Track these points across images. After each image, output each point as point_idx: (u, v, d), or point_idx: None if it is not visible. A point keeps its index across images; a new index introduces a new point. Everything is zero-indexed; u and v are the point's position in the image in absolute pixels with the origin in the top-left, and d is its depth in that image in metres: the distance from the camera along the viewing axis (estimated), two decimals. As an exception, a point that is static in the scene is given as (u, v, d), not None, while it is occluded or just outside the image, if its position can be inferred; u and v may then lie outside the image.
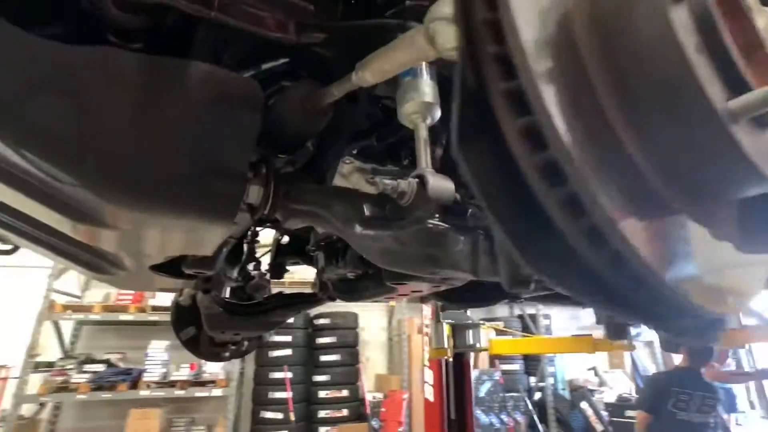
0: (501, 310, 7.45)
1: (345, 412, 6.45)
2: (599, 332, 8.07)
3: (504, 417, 6.81)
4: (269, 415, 6.09)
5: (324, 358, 6.69)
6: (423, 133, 0.56)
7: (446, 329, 2.63)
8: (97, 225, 0.63)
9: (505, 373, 7.03)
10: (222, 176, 0.60)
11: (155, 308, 5.78)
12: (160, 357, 5.75)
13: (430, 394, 2.96)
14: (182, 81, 0.57)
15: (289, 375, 6.26)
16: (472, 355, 3.19)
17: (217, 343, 1.64)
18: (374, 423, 6.33)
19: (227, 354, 1.67)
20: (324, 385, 6.55)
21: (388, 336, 7.51)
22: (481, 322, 3.18)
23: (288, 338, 6.53)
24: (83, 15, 0.59)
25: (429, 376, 3.01)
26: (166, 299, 5.92)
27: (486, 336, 2.98)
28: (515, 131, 0.28)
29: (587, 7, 0.30)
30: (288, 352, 6.48)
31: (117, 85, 0.54)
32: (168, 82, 0.56)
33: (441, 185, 0.52)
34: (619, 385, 7.41)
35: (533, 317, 7.39)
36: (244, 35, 0.60)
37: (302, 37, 0.62)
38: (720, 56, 0.29)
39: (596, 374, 7.69)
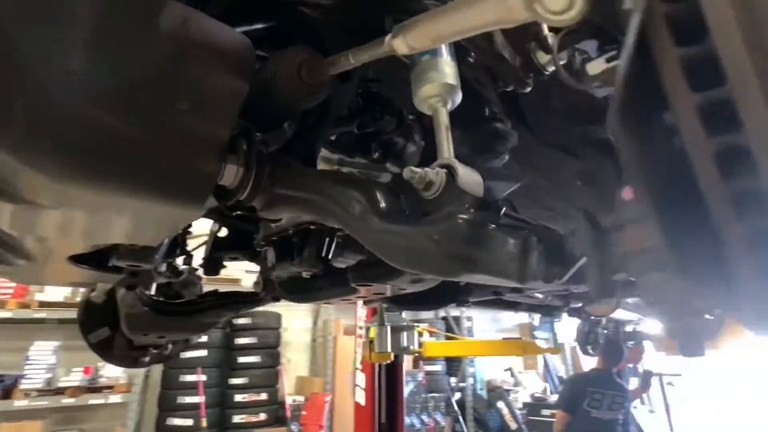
0: (425, 312, 7.66)
1: (263, 416, 6.18)
2: (516, 334, 8.64)
3: (425, 418, 6.99)
4: (177, 421, 5.64)
5: (242, 359, 6.36)
6: (444, 119, 0.50)
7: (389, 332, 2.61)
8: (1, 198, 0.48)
9: (428, 374, 7.23)
10: (196, 148, 0.49)
11: (43, 304, 5.06)
12: (44, 360, 5.06)
13: (361, 397, 2.92)
14: (159, 22, 0.45)
15: (203, 378, 5.87)
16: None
17: (136, 346, 1.42)
18: (294, 427, 6.16)
19: (147, 359, 1.47)
20: (241, 389, 6.22)
21: (312, 337, 7.35)
22: (416, 324, 3.21)
23: (203, 338, 6.11)
24: None
25: (361, 379, 2.96)
26: (57, 294, 5.23)
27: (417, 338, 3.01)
28: (694, 107, 0.23)
29: None
30: (203, 353, 6.06)
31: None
32: (141, 21, 0.44)
33: (471, 177, 0.47)
34: (532, 385, 7.98)
35: (457, 319, 7.68)
36: None
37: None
38: None
39: (512, 375, 8.21)
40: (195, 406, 5.67)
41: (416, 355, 2.91)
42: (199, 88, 0.47)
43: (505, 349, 3.02)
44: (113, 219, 0.57)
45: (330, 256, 1.06)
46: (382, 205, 0.49)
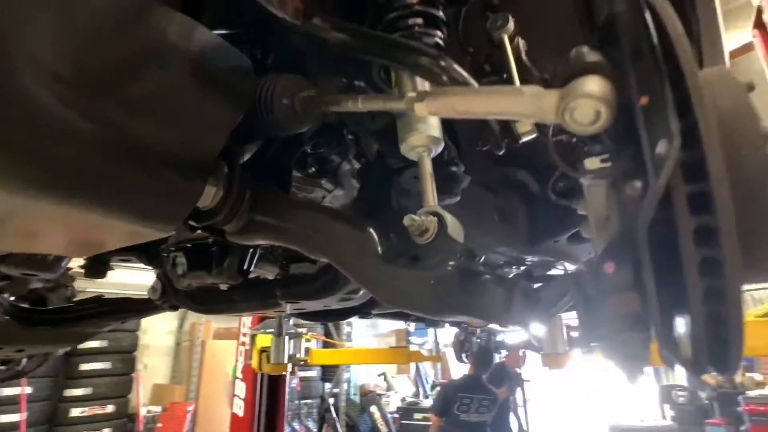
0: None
1: (106, 431, 5.48)
2: (393, 338, 9.05)
3: (296, 425, 6.92)
4: (-11, 444, 4.70)
5: (86, 366, 5.55)
6: (429, 168, 0.54)
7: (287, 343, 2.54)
8: None
9: (302, 380, 7.17)
10: (181, 170, 0.44)
11: None
12: None
13: (239, 408, 2.79)
14: (166, 32, 0.40)
15: (28, 390, 4.97)
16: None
17: None
18: (146, 443, 5.59)
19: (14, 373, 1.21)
20: (81, 401, 5.42)
21: (177, 341, 6.76)
22: (303, 331, 3.19)
23: (34, 342, 5.20)
24: None
25: (240, 388, 2.84)
26: None
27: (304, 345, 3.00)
28: (691, 228, 0.32)
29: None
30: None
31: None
32: (148, 29, 0.39)
33: (456, 225, 0.51)
34: (403, 390, 8.44)
35: (336, 324, 7.79)
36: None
37: (307, 25, 0.52)
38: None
39: (385, 380, 8.58)
40: (14, 426, 4.78)
41: (301, 363, 2.90)
42: (195, 108, 0.44)
43: (391, 357, 3.19)
44: (68, 232, 0.48)
45: (251, 269, 1.03)
46: (380, 246, 0.52)
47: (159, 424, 5.71)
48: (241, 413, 2.77)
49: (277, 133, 0.56)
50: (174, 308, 1.30)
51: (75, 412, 5.35)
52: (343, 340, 7.27)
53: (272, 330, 2.96)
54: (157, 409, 5.93)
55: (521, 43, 0.64)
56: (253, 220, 0.58)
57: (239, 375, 2.92)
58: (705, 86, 0.35)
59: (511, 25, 0.60)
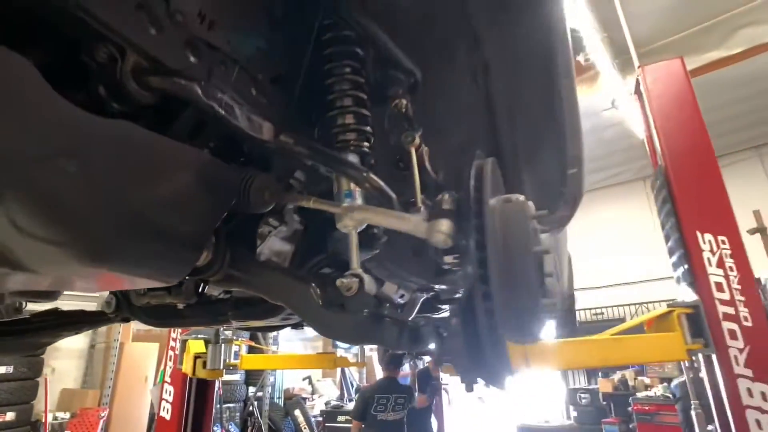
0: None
1: (5, 440, 5.17)
2: (319, 343, 9.22)
3: (217, 429, 6.90)
4: None
5: (-16, 370, 5.21)
6: (355, 240, 0.81)
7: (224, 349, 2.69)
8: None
9: (225, 383, 7.15)
10: (188, 243, 0.67)
11: None
12: None
13: (166, 411, 2.89)
14: (179, 162, 0.63)
15: None
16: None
17: None
18: (51, 451, 5.34)
19: None
20: (-24, 408, 5.08)
21: (91, 343, 6.48)
22: (234, 337, 3.34)
23: (-76, 342, 4.79)
24: (88, 79, 0.57)
25: (168, 392, 2.93)
26: None
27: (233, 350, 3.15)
28: (481, 293, 0.61)
29: None
30: None
31: (126, 157, 0.57)
32: (168, 161, 0.61)
33: (371, 283, 0.78)
34: (328, 392, 8.66)
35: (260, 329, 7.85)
36: (222, 125, 0.70)
37: (276, 141, 0.76)
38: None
39: (310, 383, 8.76)
40: None
41: (232, 367, 3.04)
42: (199, 207, 0.67)
43: (318, 363, 3.42)
44: (104, 282, 0.69)
45: (205, 290, 1.25)
46: (319, 298, 0.77)
47: (67, 431, 5.47)
48: (168, 417, 2.87)
49: (247, 212, 0.81)
50: (125, 320, 1.47)
51: (-32, 419, 5.01)
52: (270, 344, 7.34)
53: (203, 336, 3.09)
54: (66, 415, 5.68)
55: (425, 150, 0.93)
56: (230, 274, 0.82)
57: (167, 379, 3.01)
58: (494, 217, 0.65)
59: (417, 140, 0.90)
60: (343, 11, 0.86)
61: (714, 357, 1.91)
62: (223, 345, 2.75)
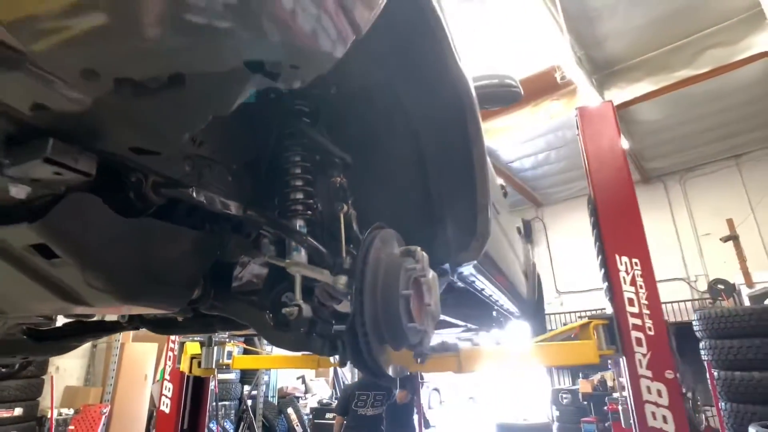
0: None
1: (14, 434, 5.57)
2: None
3: (212, 425, 7.30)
4: None
5: (-6, 368, 5.61)
6: (299, 281, 1.20)
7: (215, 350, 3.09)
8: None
9: (221, 382, 7.55)
10: (186, 285, 1.07)
11: None
12: None
13: (165, 406, 3.28)
14: (181, 238, 1.01)
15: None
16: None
17: None
18: (56, 445, 5.74)
19: None
20: (-13, 403, 5.48)
21: (93, 343, 6.88)
22: (227, 339, 3.72)
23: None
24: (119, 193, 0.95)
25: (167, 388, 3.32)
26: None
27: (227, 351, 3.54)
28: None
29: None
30: (-65, 360, 5.14)
31: (150, 239, 0.96)
32: (174, 238, 1.00)
33: (308, 309, 1.16)
34: (321, 392, 9.06)
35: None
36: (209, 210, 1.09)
37: (244, 215, 1.15)
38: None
39: (303, 382, 9.16)
40: None
41: (224, 366, 3.42)
42: (192, 262, 1.07)
43: (303, 363, 3.81)
44: (119, 310, 1.08)
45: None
46: (272, 322, 1.16)
47: (71, 427, 5.87)
48: (167, 410, 3.27)
49: (224, 261, 1.20)
50: (136, 329, 1.87)
51: (-21, 415, 5.41)
52: (264, 346, 7.73)
53: (199, 339, 3.49)
54: (70, 411, 6.08)
55: (353, 215, 1.32)
56: (213, 304, 1.21)
57: (167, 377, 3.40)
58: (373, 273, 1.05)
59: (345, 208, 1.29)
60: (297, 127, 1.25)
61: (623, 360, 2.31)
62: (216, 347, 3.14)
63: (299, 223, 1.23)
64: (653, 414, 2.15)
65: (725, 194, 9.42)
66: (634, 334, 2.28)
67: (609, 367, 8.27)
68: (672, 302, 9.18)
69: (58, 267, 0.88)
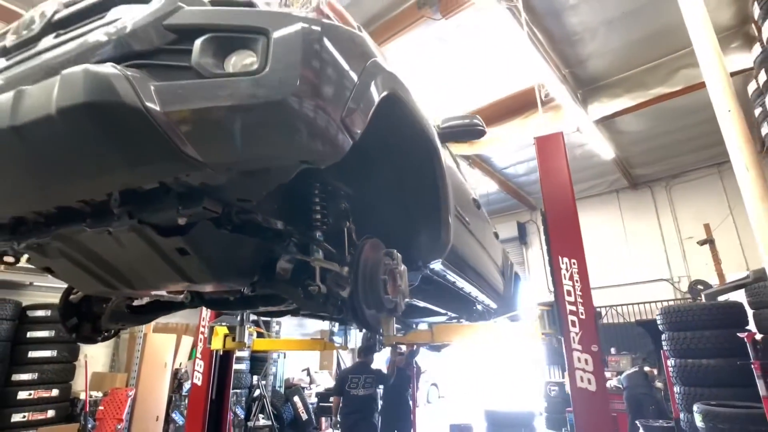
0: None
1: (51, 413, 6.33)
2: (317, 336, 10.34)
3: (225, 411, 8.06)
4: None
5: (33, 354, 6.38)
6: (318, 270, 1.91)
7: (248, 329, 3.82)
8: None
9: (233, 371, 8.31)
10: (245, 276, 1.80)
11: None
12: None
13: (198, 379, 4.00)
14: (248, 246, 1.75)
15: (-22, 373, 5.75)
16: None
17: (96, 330, 2.37)
18: (88, 423, 6.49)
19: (100, 339, 2.41)
20: (28, 385, 6.24)
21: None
22: (251, 324, 4.46)
23: (-18, 331, 5.98)
24: None
25: (199, 365, 4.04)
26: None
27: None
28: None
29: None
30: (-21, 346, 5.91)
31: (232, 246, 1.69)
32: (246, 247, 1.73)
33: (324, 289, 1.88)
34: (324, 383, 9.81)
35: (267, 323, 9.01)
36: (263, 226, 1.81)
37: (285, 230, 1.88)
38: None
39: (308, 374, 9.91)
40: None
41: (247, 347, 4.12)
42: (249, 262, 1.78)
43: (311, 345, 4.49)
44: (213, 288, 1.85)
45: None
46: (303, 295, 1.88)
47: (100, 407, 6.63)
48: (199, 383, 4.00)
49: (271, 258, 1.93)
50: (195, 306, 2.60)
51: (22, 395, 6.17)
52: (272, 332, 8.51)
53: (225, 324, 4.22)
54: (98, 394, 6.84)
55: (352, 228, 2.04)
56: (264, 284, 1.94)
57: (199, 356, 4.13)
58: (363, 265, 1.76)
59: (347, 224, 2.00)
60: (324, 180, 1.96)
61: (562, 338, 3.03)
62: (245, 326, 3.87)
63: (318, 233, 1.96)
64: (581, 377, 2.87)
65: (708, 199, 10.09)
66: (570, 317, 3.00)
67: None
68: (655, 301, 9.88)
69: (187, 259, 1.61)
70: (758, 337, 4.15)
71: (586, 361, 2.88)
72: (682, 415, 4.96)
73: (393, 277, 1.89)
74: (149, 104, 1.09)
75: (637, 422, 5.49)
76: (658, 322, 5.55)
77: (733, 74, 6.78)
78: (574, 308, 3.01)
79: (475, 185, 10.97)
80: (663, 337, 5.46)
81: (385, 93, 1.74)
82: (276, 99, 1.19)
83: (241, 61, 1.25)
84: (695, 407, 4.43)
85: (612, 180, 10.76)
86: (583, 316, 2.97)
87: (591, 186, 11.07)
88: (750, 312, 5.18)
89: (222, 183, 1.41)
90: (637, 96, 7.47)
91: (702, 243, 8.42)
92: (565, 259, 3.12)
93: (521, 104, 7.93)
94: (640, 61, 7.31)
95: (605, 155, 9.12)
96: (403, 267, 2.00)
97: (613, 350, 8.88)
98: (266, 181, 1.51)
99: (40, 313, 6.51)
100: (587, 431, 2.76)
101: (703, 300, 6.30)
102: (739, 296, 5.68)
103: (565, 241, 3.17)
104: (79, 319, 2.37)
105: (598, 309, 10.57)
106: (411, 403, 5.77)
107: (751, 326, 5.25)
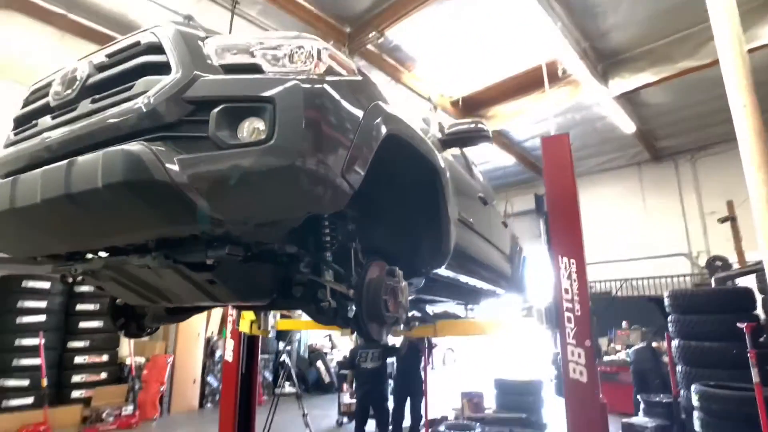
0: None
1: (103, 375, 7.03)
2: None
3: (255, 375, 8.69)
4: (12, 382, 6.14)
5: (84, 324, 7.01)
6: (329, 290, 2.16)
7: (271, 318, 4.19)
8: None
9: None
10: (265, 295, 2.07)
11: None
12: None
13: (229, 356, 4.43)
14: (265, 271, 2.00)
15: (42, 341, 6.37)
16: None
17: (140, 327, 2.73)
18: (135, 384, 7.16)
19: (144, 334, 2.79)
20: (81, 351, 6.91)
21: (155, 303, 8.24)
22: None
23: (42, 304, 6.58)
24: None
25: (230, 344, 4.46)
26: None
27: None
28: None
29: None
30: (41, 318, 6.53)
31: (252, 272, 1.94)
32: (263, 271, 1.99)
33: (335, 304, 2.13)
34: (345, 348, 10.38)
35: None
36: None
37: (298, 252, 2.12)
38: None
39: (330, 340, 10.49)
40: (31, 368, 6.22)
41: (271, 328, 4.51)
42: (267, 283, 2.06)
43: (331, 326, 4.88)
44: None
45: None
46: (315, 311, 2.15)
47: (145, 371, 7.29)
48: (231, 360, 4.43)
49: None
50: (224, 306, 2.91)
51: (78, 359, 6.86)
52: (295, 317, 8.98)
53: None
54: (141, 359, 7.49)
55: (359, 248, 2.27)
56: (281, 302, 2.22)
57: (229, 335, 4.54)
58: (367, 285, 2.00)
59: (354, 245, 2.23)
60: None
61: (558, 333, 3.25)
62: (270, 314, 4.23)
63: (328, 254, 2.20)
64: (574, 369, 3.11)
65: (734, 174, 9.82)
66: (567, 314, 3.21)
67: (608, 333, 9.18)
68: (671, 276, 9.92)
69: (214, 286, 1.89)
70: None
71: (579, 354, 3.11)
72: (682, 392, 5.18)
73: (394, 294, 2.13)
74: (175, 177, 1.31)
75: (638, 396, 5.74)
76: (665, 303, 5.69)
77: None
78: (570, 305, 3.21)
79: (490, 159, 10.98)
80: (669, 318, 5.61)
81: (384, 135, 1.91)
82: (283, 165, 1.39)
83: (252, 127, 1.44)
84: (693, 387, 4.64)
85: (633, 153, 10.59)
86: (579, 313, 3.18)
87: (611, 159, 10.92)
88: (759, 297, 5.26)
89: (242, 232, 1.66)
90: (662, 70, 7.25)
91: (723, 220, 8.34)
92: (565, 259, 3.29)
93: (539, 78, 7.82)
94: (666, 32, 7.03)
95: (627, 129, 8.96)
96: (404, 284, 2.24)
97: (624, 324, 9.05)
98: (279, 228, 1.76)
99: (84, 288, 7.09)
100: (577, 418, 3.03)
101: (713, 284, 6.36)
102: (750, 281, 5.75)
103: (566, 241, 3.33)
104: (126, 318, 2.73)
105: (612, 282, 10.69)
106: (423, 374, 6.15)
107: (759, 311, 5.36)
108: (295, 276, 2.25)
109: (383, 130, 1.91)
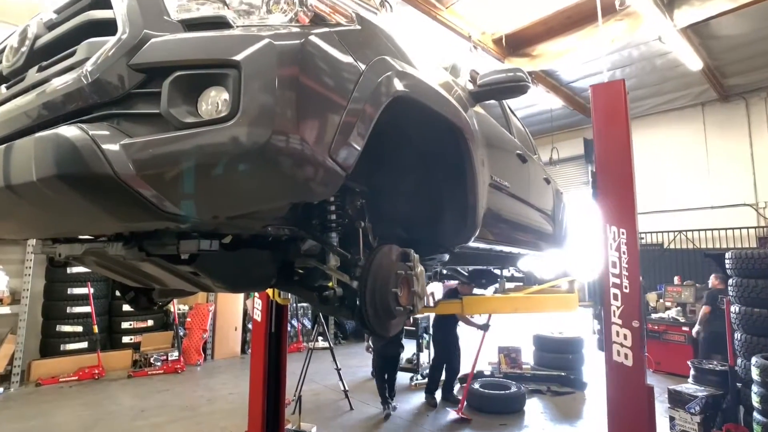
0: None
1: (150, 322, 7.35)
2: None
3: (294, 322, 8.88)
4: (67, 328, 6.52)
5: (129, 274, 7.25)
6: (335, 279, 1.88)
7: None
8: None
9: (299, 288, 8.99)
10: (266, 282, 1.82)
11: None
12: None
13: (257, 315, 4.38)
14: (260, 257, 1.73)
15: (92, 290, 6.66)
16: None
17: (150, 301, 2.62)
18: (180, 331, 7.47)
19: (155, 308, 2.68)
20: (129, 301, 7.20)
21: (196, 254, 8.41)
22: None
23: (90, 256, 6.79)
24: None
25: (258, 303, 4.40)
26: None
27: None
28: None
29: None
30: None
31: (245, 260, 1.69)
32: (258, 258, 1.73)
33: (339, 292, 1.87)
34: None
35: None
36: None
37: (301, 233, 1.83)
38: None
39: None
40: (83, 315, 6.55)
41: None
42: (267, 269, 1.80)
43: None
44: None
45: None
46: (318, 299, 1.89)
47: (188, 319, 7.55)
48: (259, 319, 4.37)
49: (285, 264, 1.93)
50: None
51: (126, 307, 7.16)
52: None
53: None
54: (185, 307, 7.74)
55: (369, 227, 1.95)
56: (282, 288, 1.96)
57: (257, 295, 4.47)
58: (373, 273, 1.70)
59: (362, 224, 1.91)
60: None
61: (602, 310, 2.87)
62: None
63: (333, 235, 1.90)
64: (618, 351, 2.76)
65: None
66: (613, 290, 2.81)
67: (658, 288, 8.59)
68: (734, 228, 9.04)
69: (200, 278, 1.64)
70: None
71: (624, 336, 2.74)
72: (738, 361, 4.73)
73: (407, 284, 1.82)
74: (118, 168, 1.01)
75: (688, 362, 5.33)
76: (727, 266, 5.10)
77: None
78: (618, 281, 2.80)
79: (536, 102, 10.08)
80: (729, 282, 5.04)
81: (391, 97, 1.53)
82: (250, 147, 1.05)
83: (214, 100, 1.10)
84: (753, 359, 4.19)
85: (698, 92, 9.39)
86: (627, 290, 2.77)
87: (672, 99, 9.77)
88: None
89: (214, 226, 1.37)
90: (739, -5, 6.12)
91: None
92: (614, 228, 2.84)
93: (592, 11, 6.83)
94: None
95: (692, 65, 7.85)
96: (420, 269, 1.91)
97: (676, 279, 8.42)
98: (258, 219, 1.45)
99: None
100: (619, 406, 2.72)
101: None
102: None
103: (615, 209, 2.86)
104: (135, 292, 2.60)
105: (665, 233, 9.90)
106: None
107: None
108: (295, 260, 1.98)
109: (389, 90, 1.52)
